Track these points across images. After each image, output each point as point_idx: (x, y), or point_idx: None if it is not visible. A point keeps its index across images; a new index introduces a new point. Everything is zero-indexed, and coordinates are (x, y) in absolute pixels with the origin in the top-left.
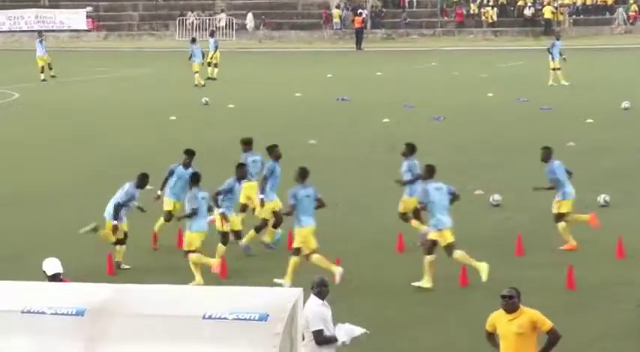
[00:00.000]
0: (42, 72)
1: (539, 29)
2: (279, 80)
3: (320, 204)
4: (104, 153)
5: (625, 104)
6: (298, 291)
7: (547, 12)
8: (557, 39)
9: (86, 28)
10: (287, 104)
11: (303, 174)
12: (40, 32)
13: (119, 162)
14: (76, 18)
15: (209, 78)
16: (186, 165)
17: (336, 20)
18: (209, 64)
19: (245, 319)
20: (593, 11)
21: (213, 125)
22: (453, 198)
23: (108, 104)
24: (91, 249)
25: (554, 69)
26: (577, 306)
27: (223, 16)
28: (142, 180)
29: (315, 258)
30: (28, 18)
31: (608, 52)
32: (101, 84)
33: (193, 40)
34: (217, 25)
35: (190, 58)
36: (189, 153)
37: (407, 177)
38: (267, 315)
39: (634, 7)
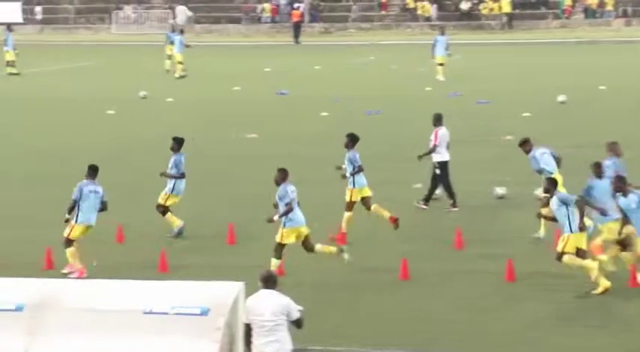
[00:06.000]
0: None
1: (475, 23)
2: (217, 74)
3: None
4: (38, 148)
5: (561, 98)
6: (239, 286)
7: (484, 8)
8: (442, 34)
9: (21, 21)
10: (225, 98)
11: None
12: (8, 26)
13: (56, 157)
14: (11, 10)
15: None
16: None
17: (266, 14)
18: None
19: (186, 313)
20: (529, 5)
21: (151, 119)
22: None
23: (44, 97)
24: (29, 245)
25: (439, 64)
26: (514, 297)
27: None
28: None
29: None
30: None
31: (544, 46)
32: (37, 77)
33: (181, 31)
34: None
35: (172, 43)
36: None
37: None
38: (209, 310)
39: (568, 1)
